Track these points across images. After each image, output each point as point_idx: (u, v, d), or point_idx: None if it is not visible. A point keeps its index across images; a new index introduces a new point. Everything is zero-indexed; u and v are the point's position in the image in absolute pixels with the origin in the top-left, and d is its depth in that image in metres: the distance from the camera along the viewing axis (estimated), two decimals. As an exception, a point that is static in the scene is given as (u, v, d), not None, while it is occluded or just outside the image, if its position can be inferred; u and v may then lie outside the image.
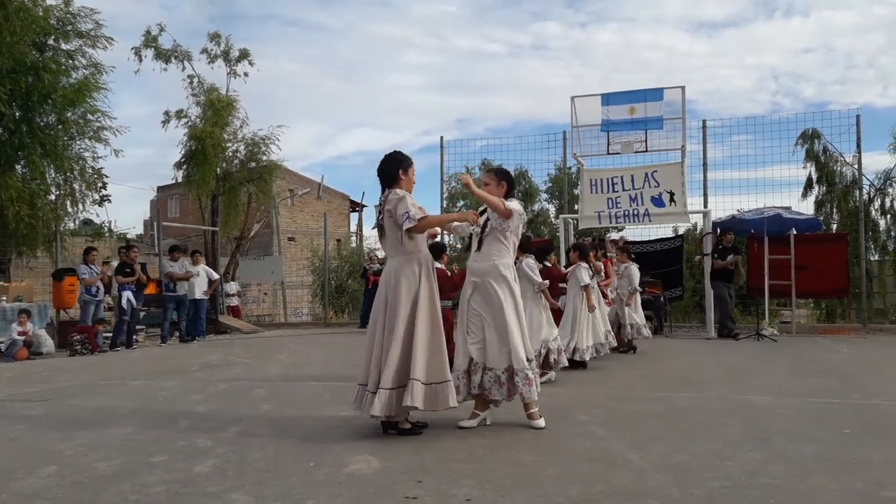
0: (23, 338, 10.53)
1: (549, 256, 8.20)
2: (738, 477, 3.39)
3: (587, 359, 7.80)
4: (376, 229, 4.75)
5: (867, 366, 8.24)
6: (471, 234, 4.90)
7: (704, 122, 14.47)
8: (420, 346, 4.34)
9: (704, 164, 14.30)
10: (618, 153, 13.23)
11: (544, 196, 25.54)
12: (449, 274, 7.21)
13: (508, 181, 4.88)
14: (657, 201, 12.59)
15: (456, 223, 4.94)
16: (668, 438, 4.28)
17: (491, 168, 5.13)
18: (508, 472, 3.56)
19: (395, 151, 4.71)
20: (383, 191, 4.65)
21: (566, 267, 8.60)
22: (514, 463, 3.74)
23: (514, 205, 4.69)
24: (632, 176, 12.80)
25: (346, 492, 3.23)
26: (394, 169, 4.61)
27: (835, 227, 16.54)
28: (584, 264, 7.94)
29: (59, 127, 12.62)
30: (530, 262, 6.82)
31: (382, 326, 4.44)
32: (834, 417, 4.91)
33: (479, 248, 4.74)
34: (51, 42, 12.65)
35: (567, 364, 6.79)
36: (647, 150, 13.00)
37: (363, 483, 3.38)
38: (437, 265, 6.59)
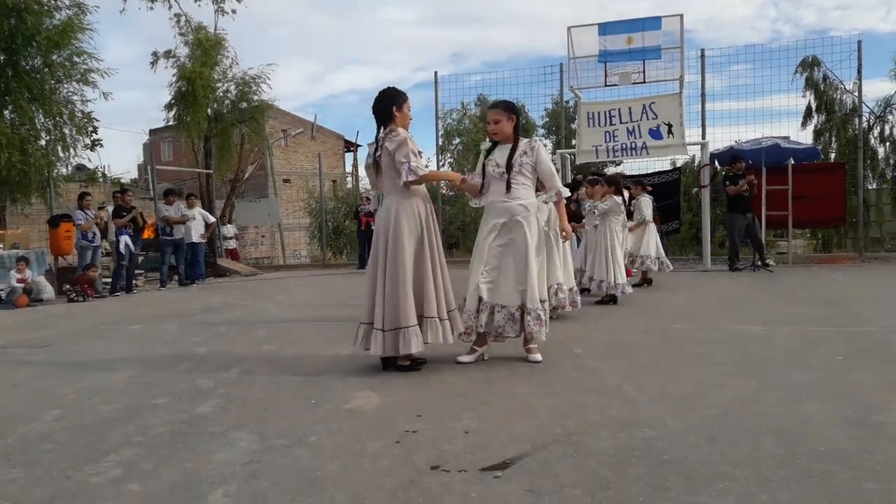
0: (22, 285, 10.56)
1: None
2: (731, 405, 3.44)
3: (618, 294, 7.81)
4: (371, 167, 4.68)
5: (862, 294, 8.31)
6: (483, 174, 4.77)
7: (703, 51, 14.23)
8: (429, 284, 4.40)
9: (703, 94, 14.12)
10: (615, 85, 13.04)
11: (541, 131, 25.35)
12: None
13: (517, 114, 4.80)
14: (655, 133, 12.47)
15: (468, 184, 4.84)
16: (663, 369, 4.34)
17: (497, 103, 4.87)
18: (506, 404, 3.62)
19: (388, 87, 4.63)
20: (379, 128, 4.59)
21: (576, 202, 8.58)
22: (512, 395, 3.79)
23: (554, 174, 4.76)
24: (629, 108, 12.64)
25: (347, 427, 3.28)
26: (387, 106, 4.53)
27: (833, 156, 16.44)
28: (619, 198, 7.94)
29: (46, 70, 12.35)
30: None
31: (384, 265, 4.42)
32: (827, 345, 4.97)
33: (508, 189, 4.59)
34: (32, -18, 12.26)
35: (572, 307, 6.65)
36: (644, 82, 12.80)
37: (364, 418, 3.44)
38: None
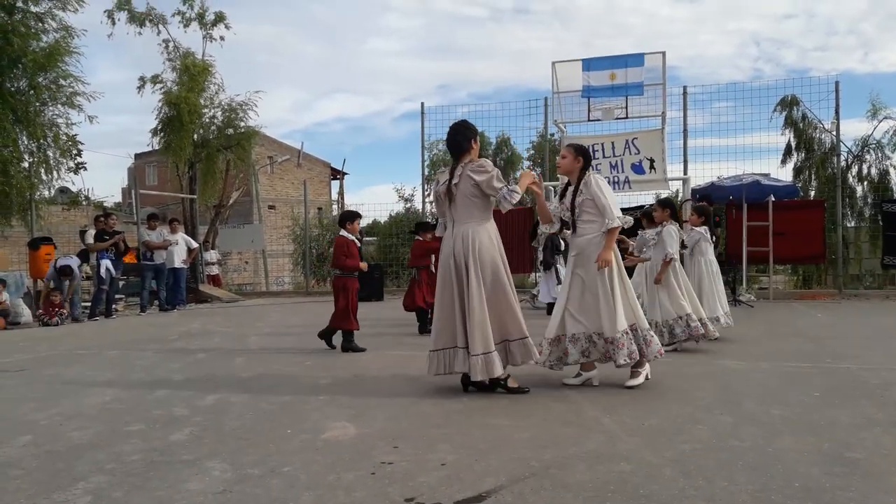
0: (-2, 307, 10.42)
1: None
2: (708, 439, 3.45)
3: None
4: (441, 195, 4.74)
5: (840, 331, 8.38)
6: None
7: (685, 88, 14.47)
8: (515, 307, 4.61)
9: (685, 130, 14.32)
10: (598, 120, 13.20)
11: (527, 164, 25.56)
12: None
13: (585, 158, 4.98)
14: (637, 168, 12.61)
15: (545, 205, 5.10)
16: (642, 402, 4.34)
17: (571, 143, 5.23)
18: (484, 436, 3.60)
19: (463, 121, 4.89)
20: (455, 158, 4.73)
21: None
22: (490, 427, 3.78)
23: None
24: (612, 143, 12.79)
25: (322, 458, 3.25)
26: (467, 138, 4.72)
27: (813, 193, 16.68)
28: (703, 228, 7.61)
29: (31, 92, 12.30)
30: (671, 229, 6.58)
31: (464, 288, 4.53)
32: (805, 381, 5.00)
33: (574, 229, 4.93)
34: (19, 4, 12.25)
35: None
36: (627, 117, 12.97)
37: (339, 449, 3.41)
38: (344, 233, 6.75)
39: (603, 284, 4.73)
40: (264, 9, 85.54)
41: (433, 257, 8.37)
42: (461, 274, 4.57)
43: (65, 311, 10.90)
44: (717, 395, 4.55)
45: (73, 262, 11.36)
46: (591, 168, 5.03)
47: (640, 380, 4.82)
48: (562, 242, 10.62)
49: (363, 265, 7.11)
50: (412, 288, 8.39)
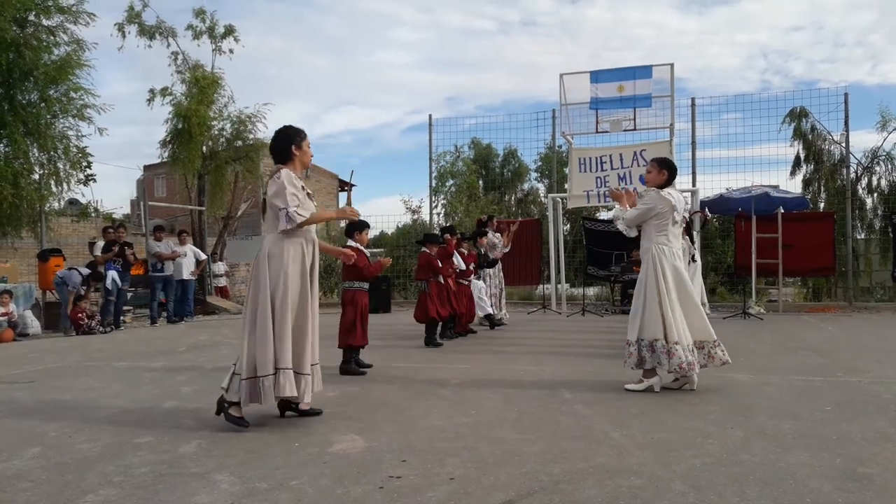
0: (5, 318, 10.44)
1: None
2: (718, 454, 3.42)
3: None
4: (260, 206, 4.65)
5: (851, 344, 8.32)
6: None
7: (693, 100, 14.52)
8: (304, 335, 4.34)
9: (693, 142, 14.36)
10: (606, 132, 13.22)
11: (534, 175, 25.57)
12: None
13: (668, 170, 5.37)
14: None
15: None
16: (651, 416, 4.31)
17: (656, 158, 5.63)
18: (492, 450, 3.58)
19: (286, 126, 4.43)
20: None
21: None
22: (498, 441, 3.76)
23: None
24: (620, 154, 12.79)
25: (330, 471, 3.24)
26: (287, 144, 4.33)
27: (822, 205, 16.63)
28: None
29: (42, 105, 12.39)
30: None
31: (271, 306, 4.21)
32: (816, 395, 4.96)
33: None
34: (31, 18, 12.36)
35: None
36: (635, 129, 13.01)
37: (347, 462, 3.39)
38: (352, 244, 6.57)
39: (637, 291, 5.15)
40: (274, 22, 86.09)
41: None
42: (256, 293, 4.23)
43: (95, 318, 11.13)
44: (728, 408, 4.52)
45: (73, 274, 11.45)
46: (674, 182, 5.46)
47: (640, 387, 5.01)
48: (488, 254, 10.68)
49: (386, 261, 6.86)
50: (423, 300, 8.36)
